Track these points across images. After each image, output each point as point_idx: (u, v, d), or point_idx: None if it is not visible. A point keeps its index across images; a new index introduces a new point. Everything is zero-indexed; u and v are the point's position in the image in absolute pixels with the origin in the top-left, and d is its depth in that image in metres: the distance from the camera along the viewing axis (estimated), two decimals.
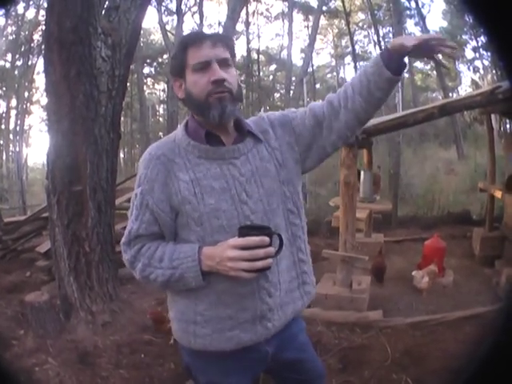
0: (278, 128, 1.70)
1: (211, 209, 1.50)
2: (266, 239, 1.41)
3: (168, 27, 21.08)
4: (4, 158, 26.51)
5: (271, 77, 32.98)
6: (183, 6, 20.26)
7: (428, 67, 29.88)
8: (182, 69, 1.54)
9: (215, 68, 1.49)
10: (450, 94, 23.20)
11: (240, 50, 27.34)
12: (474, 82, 24.97)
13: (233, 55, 1.57)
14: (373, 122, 5.05)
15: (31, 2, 21.31)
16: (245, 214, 1.53)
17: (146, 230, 1.56)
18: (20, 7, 20.69)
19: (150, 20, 40.05)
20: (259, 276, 1.51)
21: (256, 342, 1.61)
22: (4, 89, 23.98)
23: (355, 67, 29.80)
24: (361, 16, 29.30)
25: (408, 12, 24.09)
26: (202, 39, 1.51)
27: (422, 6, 24.21)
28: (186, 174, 1.52)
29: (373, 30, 26.77)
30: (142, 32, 5.13)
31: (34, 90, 26.80)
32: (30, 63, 23.42)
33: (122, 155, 28.25)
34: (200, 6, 22.25)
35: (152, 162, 1.55)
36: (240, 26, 24.56)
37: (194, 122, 1.60)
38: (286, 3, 26.03)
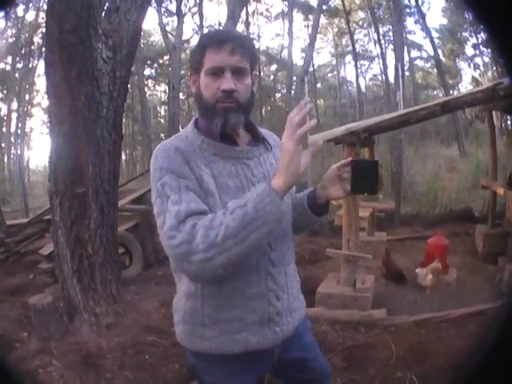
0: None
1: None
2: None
3: (168, 28, 21.11)
4: (6, 160, 26.58)
5: (272, 77, 32.96)
6: (183, 7, 20.29)
7: (428, 65, 29.97)
8: (198, 67, 1.52)
9: (227, 77, 1.47)
10: (451, 92, 23.21)
11: None
12: (474, 79, 24.97)
13: (252, 61, 1.55)
14: (375, 120, 5.06)
15: (31, 5, 21.39)
16: None
17: (196, 206, 1.40)
18: (20, 9, 20.77)
19: (150, 21, 40.04)
20: (269, 278, 1.56)
21: (264, 346, 1.60)
22: (5, 91, 24.04)
23: (356, 66, 29.91)
24: (361, 15, 29.35)
25: (408, 10, 24.11)
26: (222, 42, 1.47)
27: (422, 4, 24.30)
28: (205, 168, 1.48)
29: (373, 28, 26.78)
30: (142, 33, 5.12)
31: (34, 93, 26.93)
32: (30, 66, 23.49)
33: (123, 157, 28.24)
34: (200, 6, 22.29)
35: (171, 151, 1.48)
36: (240, 27, 24.53)
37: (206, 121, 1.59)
38: (286, 3, 26.10)
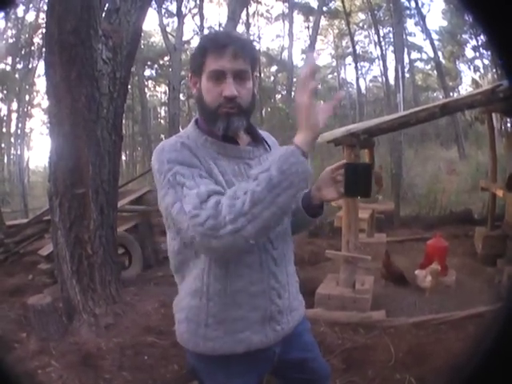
0: None
1: None
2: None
3: (168, 29, 21.08)
4: (6, 161, 26.58)
5: (272, 78, 32.96)
6: (183, 8, 20.29)
7: (428, 67, 29.98)
8: (199, 70, 1.51)
9: (229, 83, 1.46)
10: (451, 94, 23.23)
11: None
12: (474, 81, 24.97)
13: (253, 63, 1.54)
14: (375, 121, 5.06)
15: (31, 5, 21.39)
16: None
17: (215, 187, 1.38)
18: (20, 10, 20.78)
19: (151, 22, 39.98)
20: (271, 276, 1.56)
21: (266, 344, 1.60)
22: (5, 92, 24.03)
23: (356, 67, 29.90)
24: (361, 16, 29.33)
25: (408, 12, 24.13)
26: (224, 46, 1.46)
27: (422, 6, 24.31)
28: (212, 163, 1.48)
29: (373, 30, 26.79)
30: (142, 34, 5.12)
31: (34, 93, 26.90)
32: (30, 66, 23.49)
33: (123, 158, 28.22)
34: (200, 7, 22.29)
35: (177, 146, 1.46)
36: (240, 28, 24.52)
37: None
38: (287, 4, 26.14)
